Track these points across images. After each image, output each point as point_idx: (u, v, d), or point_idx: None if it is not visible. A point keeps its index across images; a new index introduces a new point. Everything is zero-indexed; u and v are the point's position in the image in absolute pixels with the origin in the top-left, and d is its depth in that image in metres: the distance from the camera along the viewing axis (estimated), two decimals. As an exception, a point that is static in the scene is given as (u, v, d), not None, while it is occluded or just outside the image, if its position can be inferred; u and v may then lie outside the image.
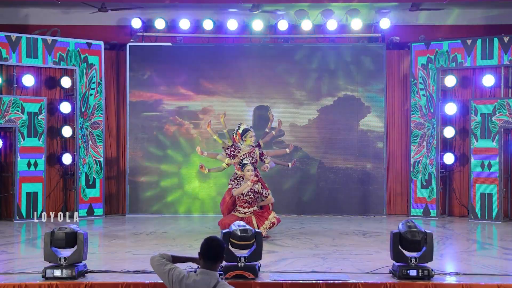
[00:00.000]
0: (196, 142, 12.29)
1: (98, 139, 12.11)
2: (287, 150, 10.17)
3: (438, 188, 11.90)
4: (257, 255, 6.66)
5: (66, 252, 6.62)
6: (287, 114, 12.27)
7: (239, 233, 6.58)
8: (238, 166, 9.57)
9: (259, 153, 9.74)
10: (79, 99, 11.87)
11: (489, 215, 11.37)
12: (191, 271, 4.55)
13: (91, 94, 12.01)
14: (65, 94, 12.13)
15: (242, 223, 6.90)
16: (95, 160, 12.04)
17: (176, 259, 4.84)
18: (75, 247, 6.59)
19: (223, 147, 9.87)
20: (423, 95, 12.04)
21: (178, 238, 9.41)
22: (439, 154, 11.90)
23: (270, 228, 9.34)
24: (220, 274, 5.41)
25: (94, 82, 12.07)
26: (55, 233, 6.53)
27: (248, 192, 9.33)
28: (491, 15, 12.52)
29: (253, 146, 9.76)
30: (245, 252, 6.65)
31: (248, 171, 9.30)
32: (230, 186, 9.69)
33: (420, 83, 12.09)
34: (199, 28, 12.66)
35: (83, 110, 11.93)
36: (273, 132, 10.37)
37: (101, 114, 12.17)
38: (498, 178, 11.34)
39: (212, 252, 4.46)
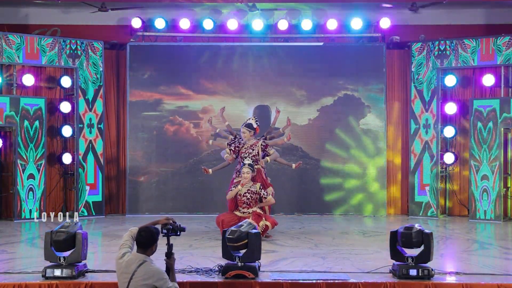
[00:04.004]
0: (196, 142, 12.30)
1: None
2: (285, 139, 10.09)
3: (438, 187, 11.90)
4: (250, 256, 6.61)
5: (66, 252, 6.63)
6: (287, 114, 12.17)
7: (226, 235, 6.62)
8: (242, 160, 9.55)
9: (263, 145, 9.70)
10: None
11: (489, 215, 11.39)
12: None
13: None
14: (65, 94, 12.13)
15: (245, 223, 6.79)
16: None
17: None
18: (75, 248, 6.62)
19: (227, 143, 9.83)
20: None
21: (178, 237, 9.36)
22: (439, 153, 11.90)
23: (262, 233, 8.82)
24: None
25: None
26: (55, 235, 6.53)
27: (245, 192, 9.30)
28: (491, 14, 12.52)
29: (257, 139, 9.72)
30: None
31: (244, 173, 9.25)
32: (234, 180, 9.61)
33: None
34: (199, 28, 12.66)
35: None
36: (281, 130, 10.31)
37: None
38: (498, 177, 11.36)
39: (142, 240, 5.38)
